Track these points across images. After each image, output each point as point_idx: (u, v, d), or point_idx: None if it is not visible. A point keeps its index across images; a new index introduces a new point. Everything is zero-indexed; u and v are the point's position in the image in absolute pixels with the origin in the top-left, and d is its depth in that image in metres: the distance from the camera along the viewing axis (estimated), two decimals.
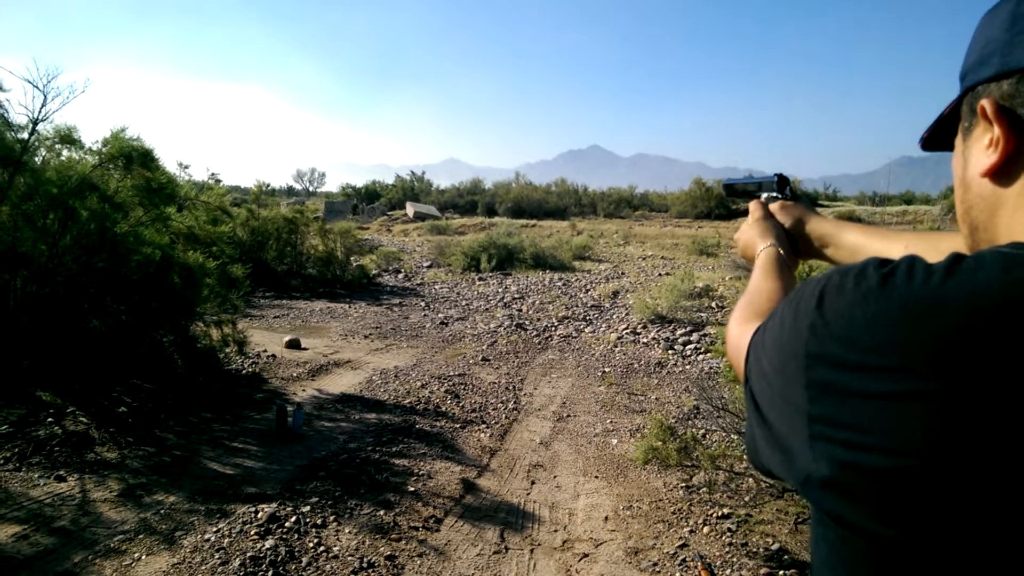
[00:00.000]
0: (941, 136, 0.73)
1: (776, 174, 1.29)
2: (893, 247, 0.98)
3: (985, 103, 0.60)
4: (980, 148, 0.62)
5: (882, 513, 0.49)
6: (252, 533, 3.60)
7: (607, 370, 7.86)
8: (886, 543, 0.50)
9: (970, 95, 0.64)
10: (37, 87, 5.60)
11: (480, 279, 14.84)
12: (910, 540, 0.49)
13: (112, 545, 3.43)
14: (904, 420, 0.48)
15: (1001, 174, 0.60)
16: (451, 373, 7.36)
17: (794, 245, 1.14)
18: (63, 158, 6.03)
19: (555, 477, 4.80)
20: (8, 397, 5.02)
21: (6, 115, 5.68)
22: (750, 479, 4.44)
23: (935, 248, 0.89)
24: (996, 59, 0.59)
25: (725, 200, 29.47)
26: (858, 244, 1.05)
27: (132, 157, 6.06)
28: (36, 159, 5.86)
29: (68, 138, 5.91)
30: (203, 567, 3.31)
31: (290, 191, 55.53)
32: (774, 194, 1.28)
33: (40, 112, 5.66)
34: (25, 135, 5.66)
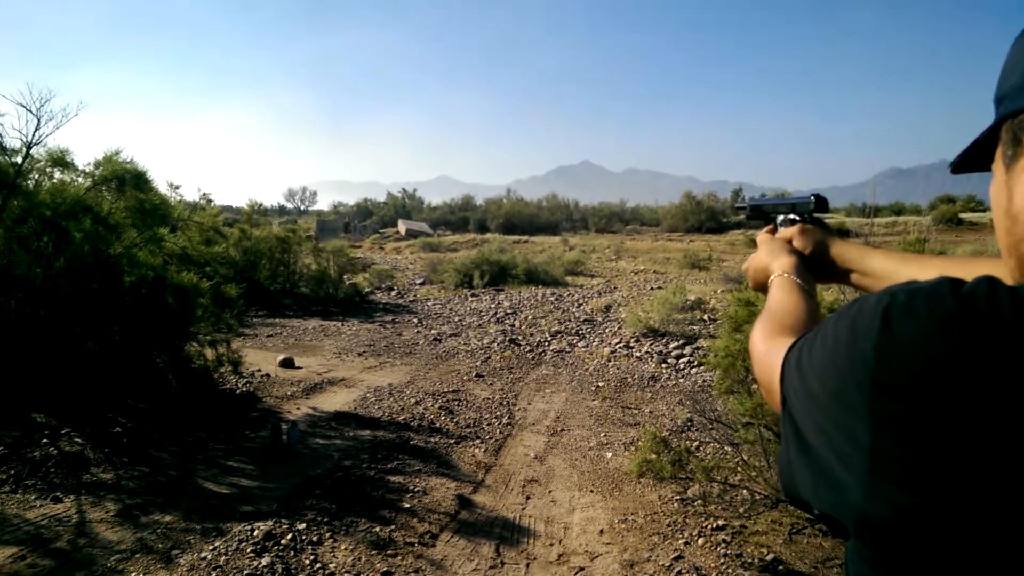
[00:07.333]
0: (972, 158, 0.68)
1: (813, 194, 1.17)
2: (926, 272, 0.89)
3: None
4: None
5: (948, 570, 0.45)
6: (248, 551, 3.61)
7: (601, 384, 7.90)
8: None
9: (1012, 123, 0.59)
10: (31, 111, 5.65)
11: (473, 295, 14.90)
12: None
13: (110, 565, 3.43)
14: (990, 471, 0.43)
15: None
16: (445, 389, 7.39)
17: (813, 268, 1.06)
18: (56, 180, 6.05)
19: (550, 491, 4.83)
20: (3, 419, 5.01)
21: (0, 139, 5.73)
22: (744, 491, 4.48)
23: (973, 273, 0.86)
24: None
25: (716, 213, 29.71)
26: (890, 270, 0.98)
27: (125, 179, 6.11)
28: (29, 182, 5.89)
29: (61, 160, 5.94)
30: None
31: (282, 210, 55.65)
32: (791, 216, 1.18)
33: (34, 135, 5.71)
34: (19, 159, 5.70)
